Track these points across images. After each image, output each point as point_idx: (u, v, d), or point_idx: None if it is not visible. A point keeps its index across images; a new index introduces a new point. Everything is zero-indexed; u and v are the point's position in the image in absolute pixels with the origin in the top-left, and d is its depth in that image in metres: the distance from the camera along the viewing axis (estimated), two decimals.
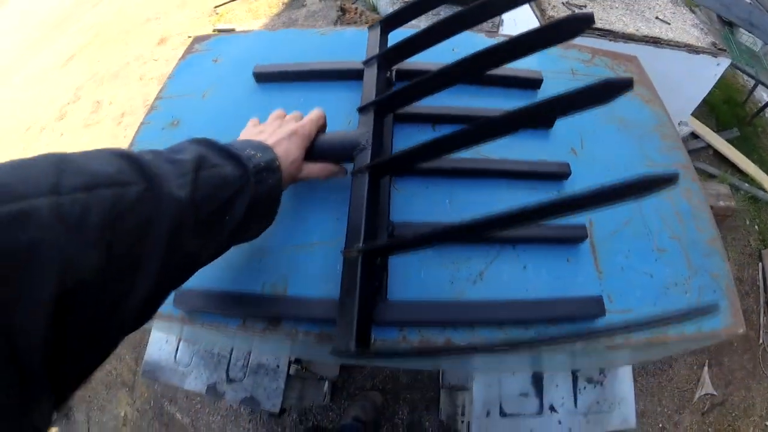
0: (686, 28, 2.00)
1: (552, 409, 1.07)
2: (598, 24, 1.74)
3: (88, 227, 0.29)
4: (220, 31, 3.43)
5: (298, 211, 0.69)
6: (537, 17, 1.78)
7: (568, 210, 0.37)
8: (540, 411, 1.06)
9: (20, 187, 0.27)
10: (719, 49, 1.95)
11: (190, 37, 3.51)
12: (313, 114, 0.62)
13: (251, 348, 1.15)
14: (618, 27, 1.77)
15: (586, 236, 0.67)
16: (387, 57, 0.77)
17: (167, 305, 0.63)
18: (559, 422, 1.07)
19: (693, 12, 3.75)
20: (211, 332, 0.68)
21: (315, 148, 0.60)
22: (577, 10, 1.78)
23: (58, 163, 0.30)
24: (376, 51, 0.79)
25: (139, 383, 2.04)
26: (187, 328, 0.82)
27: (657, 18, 1.98)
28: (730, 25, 3.41)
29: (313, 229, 0.67)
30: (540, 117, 0.46)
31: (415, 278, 0.62)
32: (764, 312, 2.36)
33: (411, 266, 0.63)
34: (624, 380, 1.09)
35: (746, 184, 2.69)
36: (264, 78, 0.87)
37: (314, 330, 0.60)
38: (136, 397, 2.02)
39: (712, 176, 2.63)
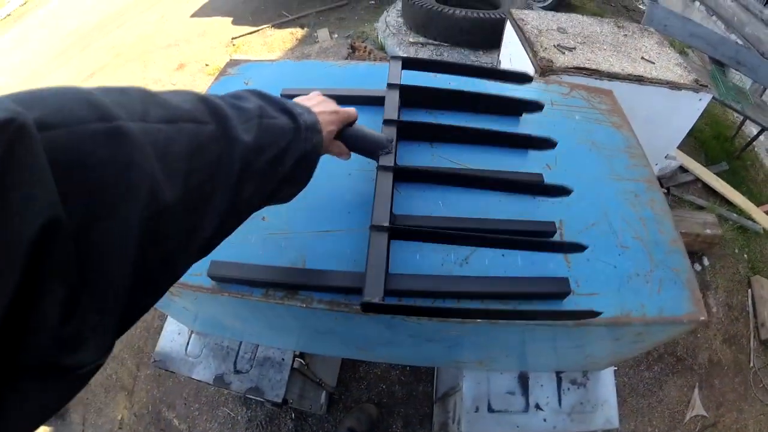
0: (670, 66, 2.16)
1: (537, 407, 1.15)
2: (586, 64, 1.90)
3: (173, 156, 0.30)
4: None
5: (314, 202, 0.83)
6: (530, 58, 1.94)
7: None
8: (526, 409, 1.13)
9: (115, 110, 0.28)
10: (701, 85, 2.10)
11: (207, 65, 3.73)
12: (351, 108, 0.69)
13: (261, 339, 1.24)
14: (604, 67, 1.93)
15: (555, 231, 0.79)
16: (406, 88, 0.96)
17: (199, 275, 0.75)
18: (544, 420, 1.14)
19: (681, 53, 3.95)
20: (235, 306, 0.80)
21: (350, 133, 0.70)
22: (567, 52, 1.95)
23: (145, 95, 0.32)
24: (397, 80, 0.96)
25: (139, 388, 2.07)
26: (209, 310, 0.94)
27: (642, 58, 2.15)
28: (720, 64, 3.59)
29: (328, 219, 0.82)
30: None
31: (412, 260, 0.76)
32: (754, 336, 2.43)
33: (409, 250, 0.76)
34: (606, 383, 1.17)
35: (735, 215, 2.80)
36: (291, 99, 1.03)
37: (326, 298, 0.72)
38: (135, 401, 2.05)
39: (700, 208, 2.76)
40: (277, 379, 1.24)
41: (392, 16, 3.53)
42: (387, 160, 0.78)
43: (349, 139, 0.71)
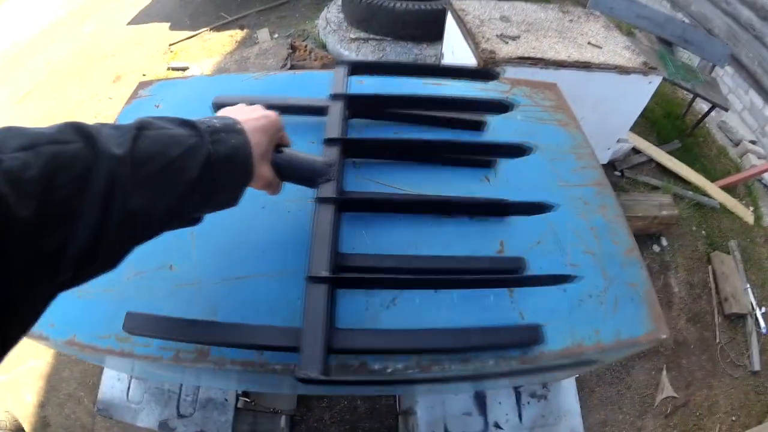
0: (618, 50, 2.13)
1: (497, 426, 1.09)
2: (531, 53, 1.84)
3: (26, 179, 0.31)
4: (173, 69, 3.45)
5: (225, 243, 0.72)
6: (472, 50, 1.87)
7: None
8: (485, 429, 1.08)
9: None
10: (650, 68, 2.08)
11: (144, 75, 3.52)
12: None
13: (199, 382, 1.14)
14: (550, 55, 1.88)
15: (524, 267, 0.71)
16: (353, 100, 0.84)
17: (108, 337, 0.64)
18: None
19: (629, 34, 3.98)
20: (150, 365, 0.68)
21: (281, 158, 0.61)
22: (510, 42, 1.88)
23: (3, 131, 0.34)
24: (342, 89, 0.85)
25: (99, 427, 1.93)
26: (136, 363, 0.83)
27: (589, 43, 2.11)
28: (668, 44, 3.63)
29: (241, 263, 0.71)
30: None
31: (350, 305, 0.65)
32: (718, 312, 2.46)
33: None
34: (568, 392, 1.12)
35: (690, 192, 2.83)
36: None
37: (239, 358, 0.61)
38: None
39: (655, 188, 2.77)
40: (222, 421, 1.19)
41: (332, 12, 3.40)
42: (328, 190, 0.67)
43: (280, 165, 0.61)
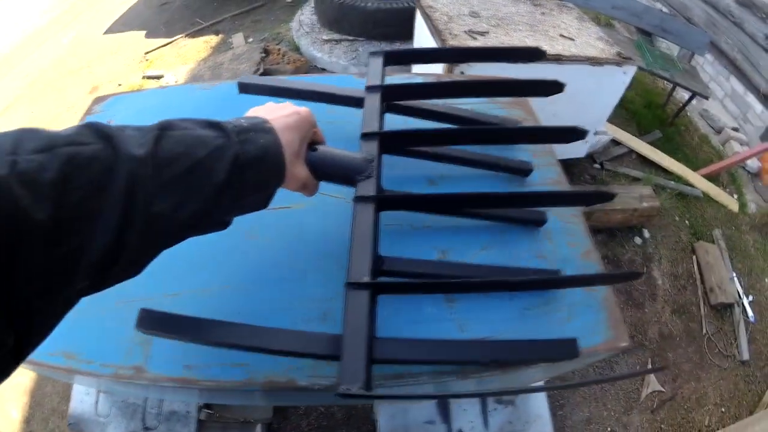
0: (591, 41, 2.10)
1: None
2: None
3: (42, 182, 0.30)
4: (149, 77, 3.40)
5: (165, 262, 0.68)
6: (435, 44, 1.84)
7: None
8: None
9: None
10: (624, 58, 2.05)
11: (120, 84, 3.48)
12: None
13: (163, 396, 1.14)
14: None
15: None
16: (390, 90, 0.79)
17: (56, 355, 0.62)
18: None
19: (607, 25, 3.96)
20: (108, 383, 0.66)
21: (319, 158, 0.58)
22: (479, 37, 1.85)
23: (22, 132, 0.33)
24: (377, 81, 0.79)
25: None
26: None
27: (561, 36, 2.08)
28: (647, 33, 3.61)
29: (181, 279, 0.68)
30: None
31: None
32: (704, 302, 2.44)
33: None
34: (538, 397, 1.08)
35: (672, 182, 2.80)
36: (251, 89, 0.82)
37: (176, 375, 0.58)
38: None
39: (636, 179, 2.74)
40: None
41: (306, 14, 3.36)
42: (367, 188, 0.61)
43: (315, 164, 0.57)
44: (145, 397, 1.20)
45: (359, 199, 0.61)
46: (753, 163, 3.06)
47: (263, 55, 2.78)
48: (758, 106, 3.14)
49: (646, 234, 2.56)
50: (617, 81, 2.12)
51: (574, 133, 0.70)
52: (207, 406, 1.23)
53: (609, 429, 1.93)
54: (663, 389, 2.07)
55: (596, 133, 2.37)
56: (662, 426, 1.98)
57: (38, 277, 0.30)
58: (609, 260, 2.41)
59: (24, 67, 4.03)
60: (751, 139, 3.17)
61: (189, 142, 0.41)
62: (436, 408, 1.05)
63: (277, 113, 0.53)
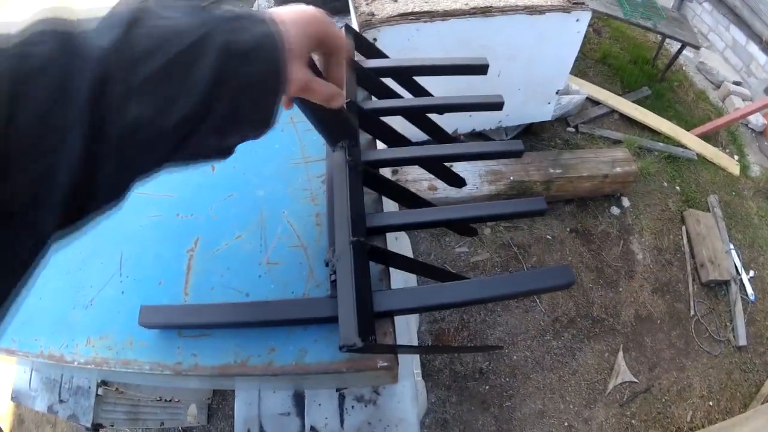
0: None
1: (313, 430, 0.93)
2: (425, 7, 1.58)
3: None
4: None
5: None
6: (354, 17, 1.64)
7: None
8: None
9: None
10: (573, 3, 1.78)
11: None
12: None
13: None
14: (443, 6, 1.61)
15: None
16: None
17: None
18: None
19: None
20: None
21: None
22: (399, 0, 1.63)
23: None
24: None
25: (59, 420, 1.98)
26: None
27: None
28: None
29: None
30: None
31: None
32: (693, 279, 2.15)
33: None
34: (403, 398, 0.92)
35: (660, 144, 2.50)
36: None
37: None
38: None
39: (618, 142, 2.44)
40: (86, 406, 1.34)
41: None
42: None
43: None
44: (61, 373, 1.33)
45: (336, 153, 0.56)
46: (757, 120, 2.71)
47: None
48: (762, 57, 2.77)
49: (626, 203, 2.28)
50: (569, 30, 1.86)
51: None
52: (104, 382, 1.37)
53: (566, 424, 1.70)
54: (635, 380, 1.82)
55: (559, 93, 2.10)
56: (632, 422, 1.74)
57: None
58: (578, 233, 2.14)
59: None
60: (755, 92, 2.80)
61: (164, 34, 0.33)
62: (291, 400, 0.97)
63: (281, 9, 0.42)
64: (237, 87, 0.36)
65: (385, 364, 0.51)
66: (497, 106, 0.72)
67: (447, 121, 2.13)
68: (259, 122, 0.40)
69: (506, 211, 0.63)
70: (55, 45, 0.29)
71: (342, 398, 0.94)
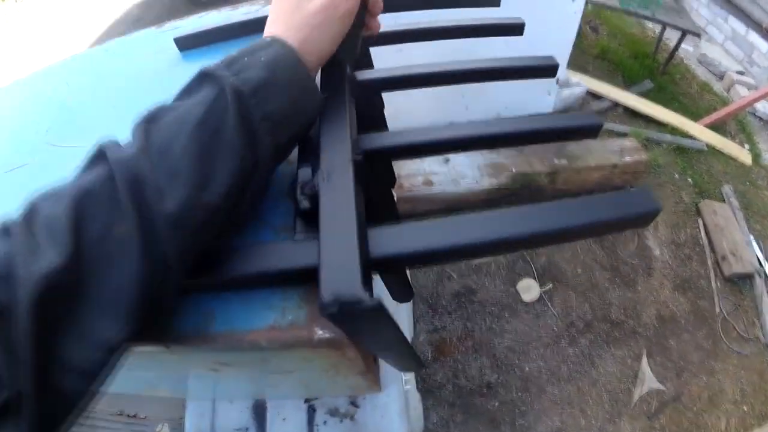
0: None
1: None
2: None
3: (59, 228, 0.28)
4: None
5: None
6: None
7: None
8: None
9: None
10: None
11: None
12: None
13: None
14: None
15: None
16: None
17: None
18: None
19: None
20: None
21: None
22: None
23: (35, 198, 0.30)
24: None
25: None
26: None
27: None
28: None
29: None
30: None
31: None
32: (715, 275, 1.98)
33: None
34: (388, 411, 0.74)
35: (668, 136, 2.36)
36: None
37: None
38: None
39: (623, 135, 2.30)
40: None
41: None
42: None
43: None
44: None
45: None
46: (765, 108, 2.59)
47: None
48: (764, 45, 2.67)
49: None
50: (565, 11, 1.75)
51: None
52: None
53: None
54: (663, 387, 1.63)
55: (560, 83, 1.97)
56: None
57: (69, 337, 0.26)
58: None
59: None
60: (759, 81, 2.70)
61: (181, 116, 0.33)
62: (250, 412, 0.80)
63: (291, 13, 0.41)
64: (270, 127, 0.35)
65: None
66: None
67: (442, 113, 2.01)
68: (310, 112, 0.40)
69: (553, 125, 0.48)
70: (99, 168, 0.30)
71: (312, 411, 0.77)
